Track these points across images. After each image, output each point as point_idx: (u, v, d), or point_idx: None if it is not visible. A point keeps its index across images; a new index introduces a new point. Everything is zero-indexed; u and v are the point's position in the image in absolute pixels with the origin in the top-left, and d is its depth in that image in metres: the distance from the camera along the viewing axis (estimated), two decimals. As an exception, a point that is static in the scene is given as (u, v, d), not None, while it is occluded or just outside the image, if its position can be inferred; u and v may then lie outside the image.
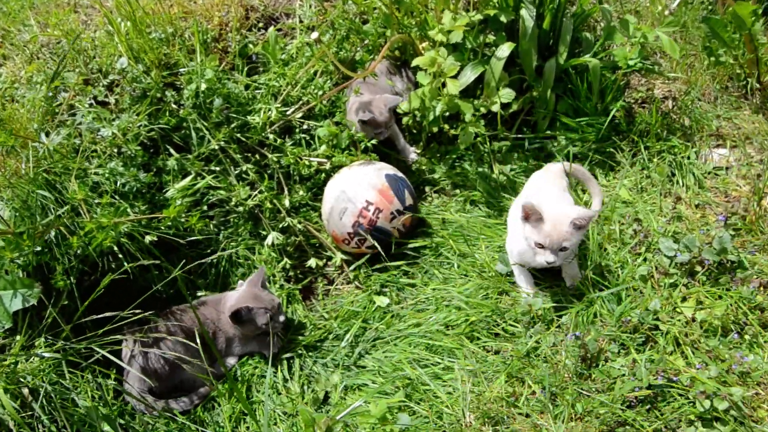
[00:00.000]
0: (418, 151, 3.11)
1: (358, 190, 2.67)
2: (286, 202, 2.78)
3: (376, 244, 2.65)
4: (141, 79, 2.76)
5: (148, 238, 2.43)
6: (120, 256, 2.35)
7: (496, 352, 2.29)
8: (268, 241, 2.72)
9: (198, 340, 2.33)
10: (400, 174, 2.81)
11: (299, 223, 2.80)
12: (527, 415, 2.06)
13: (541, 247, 2.18)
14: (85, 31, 3.10)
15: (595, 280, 2.34)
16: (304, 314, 2.68)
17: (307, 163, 2.84)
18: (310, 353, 2.52)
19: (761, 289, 2.32)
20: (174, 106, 2.78)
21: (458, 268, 2.63)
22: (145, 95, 2.76)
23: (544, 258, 2.19)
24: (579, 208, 2.28)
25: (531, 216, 2.19)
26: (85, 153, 2.58)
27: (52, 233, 2.25)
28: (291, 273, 2.78)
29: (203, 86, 2.73)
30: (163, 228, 2.49)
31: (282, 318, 2.48)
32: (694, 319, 2.23)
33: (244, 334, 2.52)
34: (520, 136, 3.05)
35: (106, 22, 2.95)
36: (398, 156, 3.10)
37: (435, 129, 2.91)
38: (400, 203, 2.69)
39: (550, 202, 2.28)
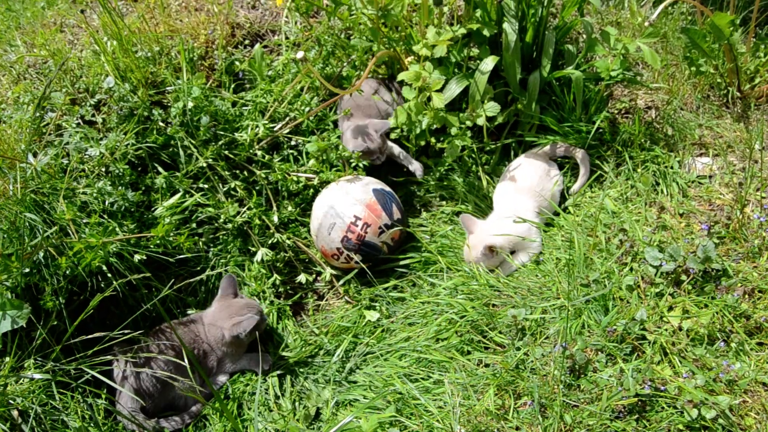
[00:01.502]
0: (422, 163, 3.11)
1: (346, 206, 2.69)
2: (275, 218, 2.79)
3: (362, 264, 2.69)
4: (128, 97, 2.77)
5: (137, 257, 2.43)
6: (109, 275, 2.36)
7: (486, 365, 2.30)
8: (258, 257, 2.73)
9: (186, 360, 2.33)
10: (387, 188, 2.83)
11: (288, 239, 2.81)
12: (517, 428, 2.07)
13: None
14: (71, 50, 3.11)
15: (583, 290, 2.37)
16: (294, 330, 2.68)
17: (295, 179, 2.86)
18: (301, 369, 2.53)
19: (746, 296, 2.34)
20: (161, 124, 2.79)
21: (447, 281, 2.65)
22: (133, 114, 2.77)
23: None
24: (497, 238, 2.61)
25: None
26: (73, 173, 2.58)
27: (41, 254, 2.25)
28: (281, 289, 2.79)
29: (190, 104, 2.74)
30: (152, 247, 2.50)
31: (265, 319, 2.56)
32: (680, 328, 2.25)
33: (236, 350, 2.53)
34: (507, 141, 3.09)
35: (92, 41, 2.96)
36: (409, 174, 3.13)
37: (422, 143, 2.93)
38: (389, 217, 2.71)
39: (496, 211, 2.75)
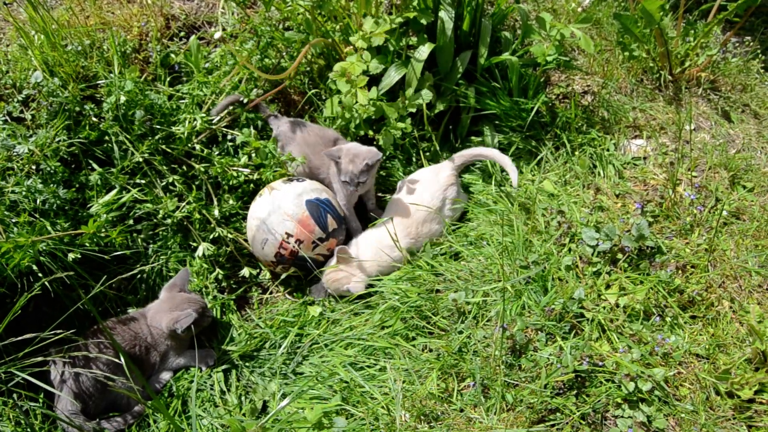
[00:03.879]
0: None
1: (276, 222, 2.62)
2: (216, 213, 2.74)
3: (300, 272, 2.68)
4: (58, 93, 2.68)
5: (71, 256, 2.36)
6: (41, 275, 2.28)
7: (430, 350, 2.31)
8: (199, 252, 2.68)
9: (122, 359, 2.28)
10: (323, 196, 2.73)
11: (230, 233, 2.77)
12: (461, 410, 2.09)
13: None
14: (-4, 45, 2.99)
15: (522, 272, 2.40)
16: (239, 324, 2.65)
17: (235, 173, 2.81)
18: (247, 363, 2.50)
19: (679, 272, 2.42)
20: (94, 119, 2.71)
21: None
22: (63, 109, 2.68)
23: None
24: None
25: None
26: (1, 171, 2.49)
27: (-34, 256, 2.17)
28: (224, 283, 2.75)
29: (123, 98, 2.67)
30: (87, 245, 2.43)
31: (210, 315, 2.51)
32: (617, 305, 2.30)
33: (179, 344, 2.48)
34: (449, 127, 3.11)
35: (18, 35, 2.85)
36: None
37: (361, 133, 2.93)
38: (322, 231, 2.66)
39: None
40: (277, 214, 2.62)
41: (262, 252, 2.67)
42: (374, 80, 2.94)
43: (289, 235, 2.60)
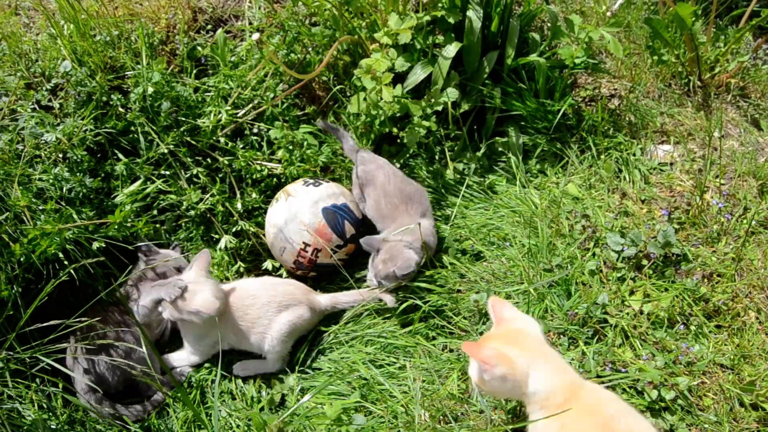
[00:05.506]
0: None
1: (293, 232, 2.59)
2: (239, 206, 2.75)
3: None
4: (86, 82, 2.70)
5: (95, 245, 2.38)
6: (66, 263, 2.30)
7: (450, 350, 2.30)
8: (221, 244, 2.69)
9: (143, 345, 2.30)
10: (341, 201, 2.68)
11: (252, 227, 2.77)
12: (481, 411, 2.08)
13: None
14: (26, 33, 3.01)
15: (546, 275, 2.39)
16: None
17: (258, 167, 2.82)
18: (266, 357, 2.50)
19: (705, 280, 2.39)
20: (121, 109, 2.73)
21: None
22: (91, 99, 2.70)
23: None
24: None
25: None
26: (29, 158, 2.51)
27: (-6, 241, 2.19)
28: (246, 277, 2.75)
29: (150, 89, 2.68)
30: (111, 234, 2.44)
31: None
32: (641, 312, 2.28)
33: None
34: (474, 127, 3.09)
35: (48, 24, 2.88)
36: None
37: (386, 130, 2.92)
38: (340, 238, 2.63)
39: None
40: (294, 223, 2.60)
41: (281, 258, 2.67)
42: (400, 78, 2.93)
43: (306, 245, 2.59)
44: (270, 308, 2.42)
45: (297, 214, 2.60)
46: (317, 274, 2.73)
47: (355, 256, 2.75)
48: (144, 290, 2.47)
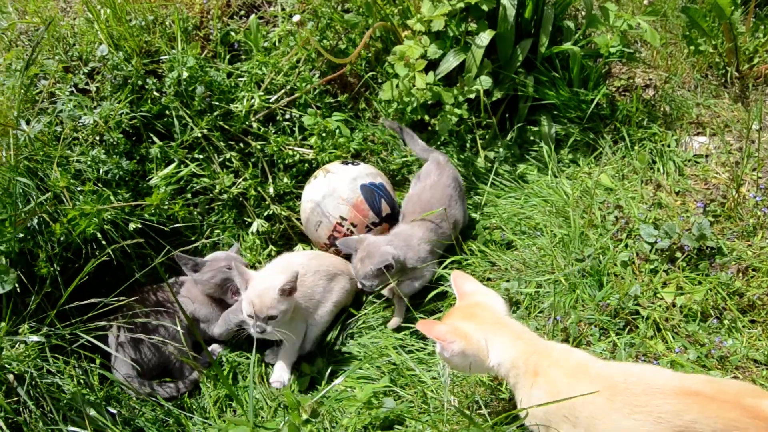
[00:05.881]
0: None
1: (331, 206, 2.62)
2: (271, 190, 2.78)
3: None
4: (122, 66, 2.74)
5: (131, 226, 2.42)
6: (104, 243, 2.34)
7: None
8: (253, 228, 2.73)
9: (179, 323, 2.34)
10: (378, 181, 2.72)
11: (284, 211, 2.80)
12: (509, 399, 2.09)
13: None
14: (64, 18, 3.06)
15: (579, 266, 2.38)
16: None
17: (290, 152, 2.84)
18: (296, 340, 2.53)
19: (739, 274, 2.36)
20: (156, 93, 2.77)
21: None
22: (126, 83, 2.74)
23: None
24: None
25: None
26: (67, 141, 2.56)
27: (35, 220, 2.23)
28: (277, 260, 2.79)
29: (185, 74, 2.71)
30: (146, 216, 2.49)
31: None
32: (674, 305, 2.26)
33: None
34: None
35: (85, 9, 2.92)
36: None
37: (417, 118, 2.92)
38: (376, 216, 2.65)
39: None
40: (332, 197, 2.63)
41: (315, 234, 2.69)
42: (432, 66, 2.92)
43: (343, 219, 2.62)
44: (321, 277, 2.48)
45: (336, 189, 2.64)
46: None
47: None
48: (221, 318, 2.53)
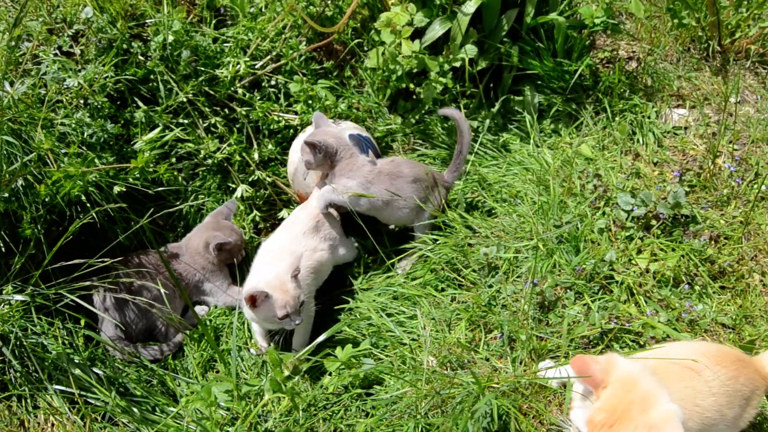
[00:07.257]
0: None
1: None
2: (256, 156, 2.80)
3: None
4: (107, 29, 2.72)
5: (116, 189, 2.44)
6: (88, 206, 2.36)
7: (459, 302, 2.37)
8: (237, 193, 2.75)
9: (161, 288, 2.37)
10: (364, 133, 2.80)
11: (268, 176, 2.82)
12: (486, 359, 2.15)
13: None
14: (48, -21, 3.03)
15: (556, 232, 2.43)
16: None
17: (276, 118, 2.85)
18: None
19: (711, 242, 2.43)
20: (141, 57, 2.76)
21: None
22: (111, 46, 2.73)
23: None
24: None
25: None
26: (51, 103, 2.56)
27: (20, 181, 2.25)
28: (261, 225, 2.82)
29: (170, 38, 2.71)
30: (131, 179, 2.50)
31: (243, 252, 2.66)
32: (647, 270, 2.33)
33: (214, 268, 2.61)
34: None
35: (70, -30, 2.89)
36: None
37: (402, 86, 2.94)
38: None
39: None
40: None
41: (303, 184, 2.70)
42: (417, 34, 2.93)
43: None
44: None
45: None
46: None
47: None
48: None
